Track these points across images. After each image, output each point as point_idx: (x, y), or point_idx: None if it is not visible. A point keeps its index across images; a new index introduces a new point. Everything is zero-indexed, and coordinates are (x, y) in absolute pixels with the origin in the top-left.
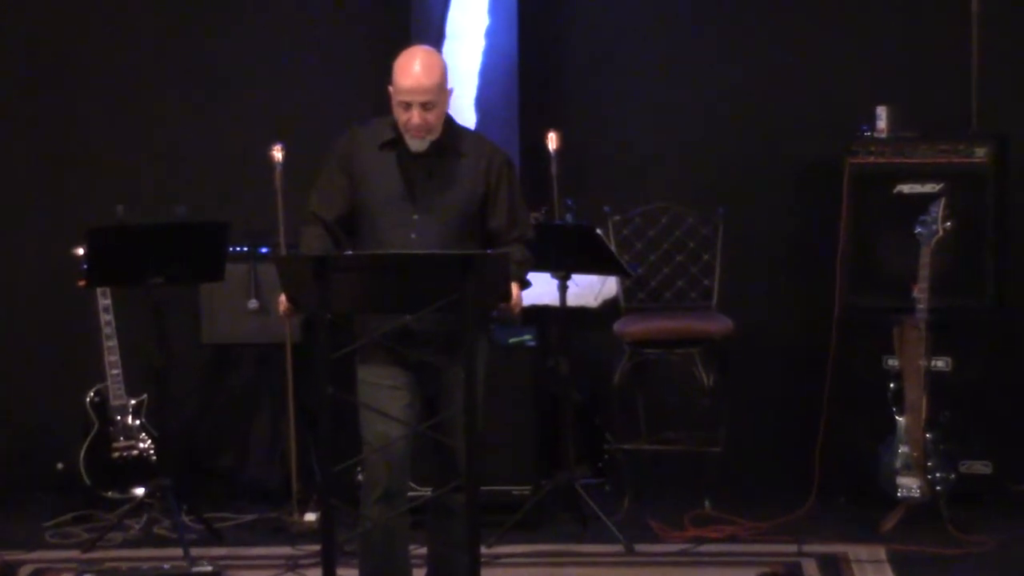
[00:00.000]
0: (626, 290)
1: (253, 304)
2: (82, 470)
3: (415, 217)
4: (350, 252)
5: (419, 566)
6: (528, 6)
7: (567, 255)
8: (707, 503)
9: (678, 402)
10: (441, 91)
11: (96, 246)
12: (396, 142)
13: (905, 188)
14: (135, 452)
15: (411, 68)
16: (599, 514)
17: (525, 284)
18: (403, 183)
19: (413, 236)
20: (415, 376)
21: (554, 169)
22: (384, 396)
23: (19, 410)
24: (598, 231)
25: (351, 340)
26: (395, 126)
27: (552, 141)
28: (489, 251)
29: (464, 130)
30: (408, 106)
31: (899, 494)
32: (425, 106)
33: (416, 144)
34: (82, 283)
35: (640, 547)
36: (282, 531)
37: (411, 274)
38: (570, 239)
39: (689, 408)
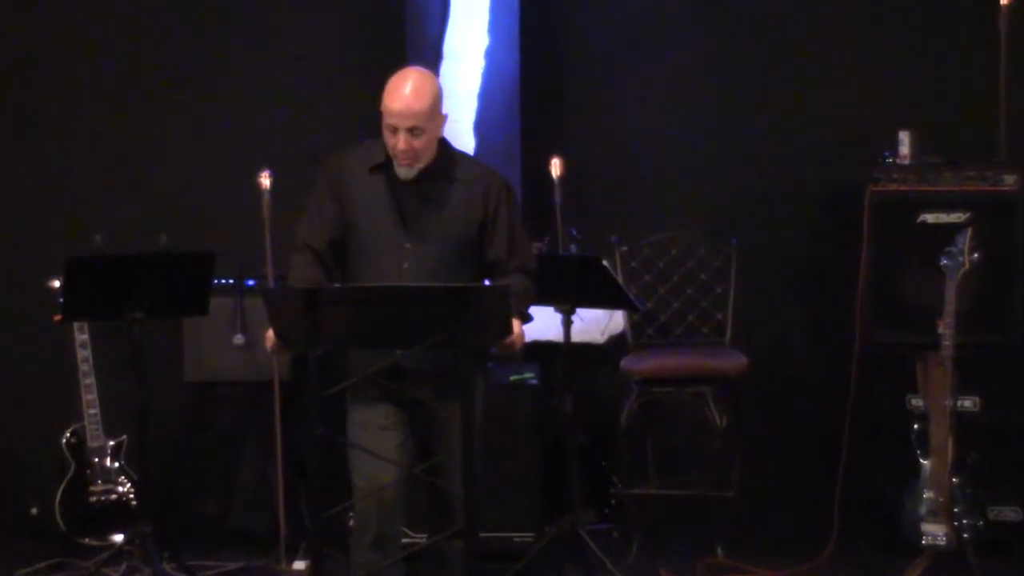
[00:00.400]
0: (634, 325)
1: (239, 339)
2: (57, 515)
3: (408, 245)
4: (338, 285)
5: None
6: (530, 25)
7: (571, 288)
8: (720, 551)
9: (689, 444)
10: (432, 117)
11: (73, 278)
12: (387, 166)
13: (929, 217)
14: (114, 496)
15: (401, 90)
16: (605, 562)
17: (527, 318)
18: (394, 209)
19: (405, 266)
20: (407, 415)
21: (557, 196)
22: (375, 437)
23: None
24: (604, 262)
25: (343, 377)
26: (387, 149)
27: (555, 167)
28: (488, 283)
29: (460, 154)
30: (395, 130)
31: (924, 542)
32: (412, 131)
33: (403, 171)
34: (58, 317)
35: None
36: None
37: (406, 308)
38: (575, 271)
39: (701, 450)
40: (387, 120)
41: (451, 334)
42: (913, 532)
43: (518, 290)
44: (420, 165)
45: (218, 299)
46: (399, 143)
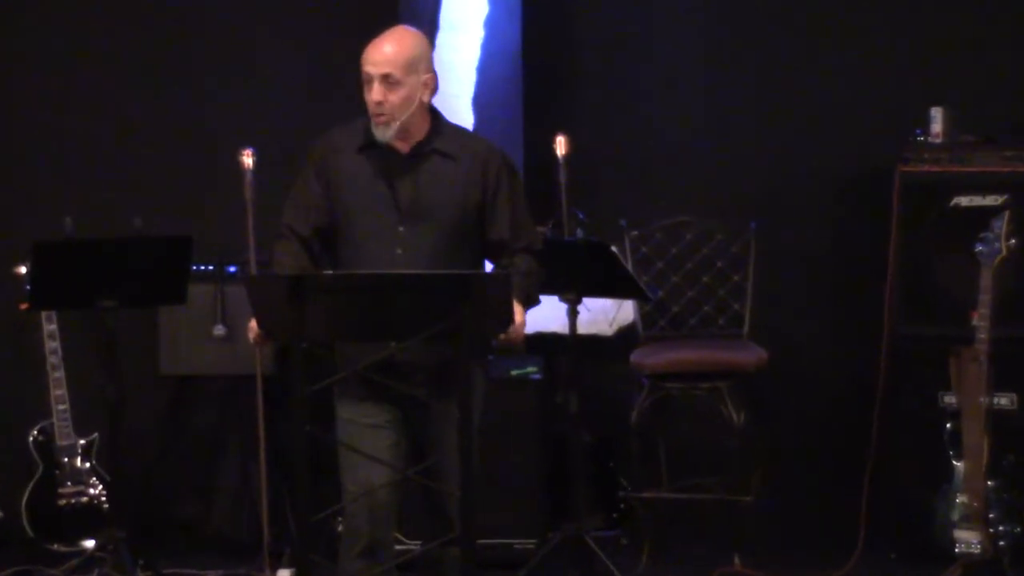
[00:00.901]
0: (644, 316)
1: (219, 330)
2: (24, 519)
3: (401, 229)
4: (330, 272)
5: None
6: None
7: (578, 275)
8: (737, 559)
9: (704, 443)
10: (411, 71)
11: (41, 263)
12: (378, 143)
13: (964, 200)
14: (84, 499)
15: (379, 39)
16: (613, 571)
17: (533, 302)
18: (386, 190)
19: (398, 251)
20: (401, 413)
21: (563, 177)
22: (366, 436)
23: None
24: (613, 248)
25: (331, 371)
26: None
27: (560, 145)
28: (489, 271)
29: (456, 128)
30: (369, 81)
31: (957, 550)
32: (387, 80)
33: (380, 132)
34: (24, 305)
35: None
36: None
37: (399, 297)
38: (581, 257)
39: (716, 450)
40: (363, 70)
41: (448, 325)
42: (945, 539)
43: (524, 270)
44: (396, 125)
45: (197, 287)
46: (372, 94)
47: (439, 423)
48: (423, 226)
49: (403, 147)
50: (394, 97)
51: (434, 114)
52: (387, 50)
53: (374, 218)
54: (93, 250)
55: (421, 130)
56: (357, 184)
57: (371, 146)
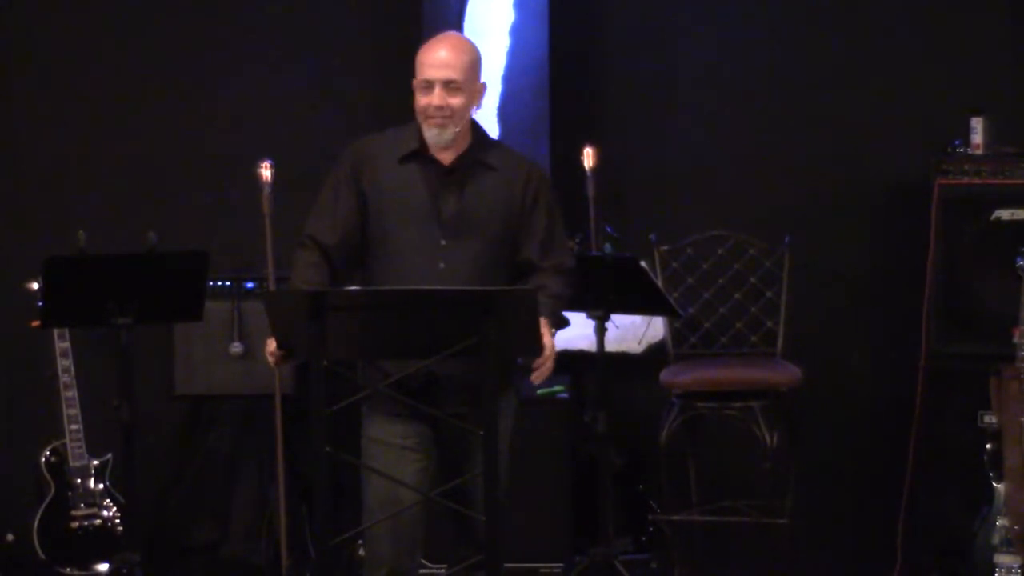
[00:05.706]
0: (675, 333)
1: (237, 348)
2: (36, 542)
3: (443, 242)
4: (351, 288)
5: None
6: None
7: (606, 291)
8: None
9: (736, 465)
10: (469, 76)
11: (53, 279)
12: (420, 154)
13: (1005, 214)
14: (97, 521)
15: (437, 44)
16: None
17: (562, 323)
18: (429, 202)
19: (441, 266)
20: (433, 434)
21: (590, 190)
22: (394, 457)
23: None
24: (642, 263)
25: (352, 390)
26: (419, 135)
27: (588, 157)
28: (516, 287)
29: (495, 142)
30: (429, 85)
31: (997, 575)
32: (448, 86)
33: (437, 135)
34: (36, 323)
35: None
36: None
37: (423, 314)
38: (609, 273)
39: (749, 472)
40: (421, 75)
41: (472, 343)
42: (985, 564)
43: (555, 292)
44: (453, 130)
45: (213, 303)
46: (433, 99)
47: (474, 444)
48: (466, 239)
49: (446, 158)
50: (455, 102)
51: (475, 126)
52: (448, 55)
53: (415, 230)
54: (107, 265)
55: (465, 141)
56: (397, 195)
57: (414, 156)
